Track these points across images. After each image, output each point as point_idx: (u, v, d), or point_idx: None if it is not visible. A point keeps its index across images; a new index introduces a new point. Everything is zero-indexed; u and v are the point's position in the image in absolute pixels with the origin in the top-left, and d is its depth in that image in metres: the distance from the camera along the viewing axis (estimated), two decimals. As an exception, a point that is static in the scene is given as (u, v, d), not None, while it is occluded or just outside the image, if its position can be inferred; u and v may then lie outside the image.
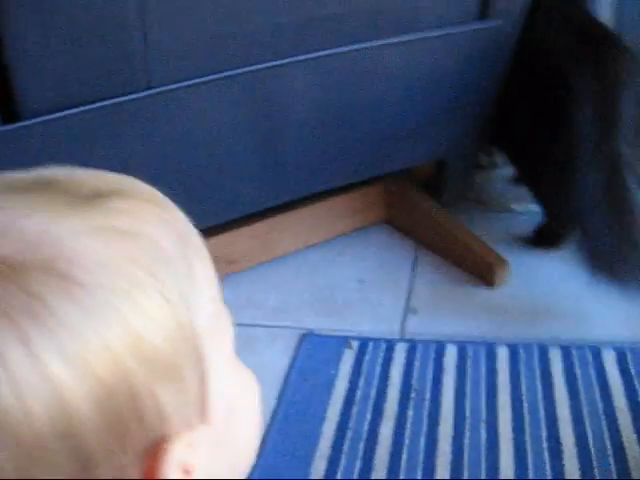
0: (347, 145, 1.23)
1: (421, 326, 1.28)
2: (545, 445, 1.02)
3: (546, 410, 1.08)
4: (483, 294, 1.35)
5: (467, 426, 1.05)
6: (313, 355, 1.22)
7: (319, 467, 1.00)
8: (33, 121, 0.92)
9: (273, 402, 1.13)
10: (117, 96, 0.97)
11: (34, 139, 0.94)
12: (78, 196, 0.31)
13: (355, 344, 1.23)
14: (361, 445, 1.03)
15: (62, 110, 0.94)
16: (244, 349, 1.24)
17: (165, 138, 1.05)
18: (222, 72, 1.03)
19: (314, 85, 1.13)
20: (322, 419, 1.08)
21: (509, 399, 1.10)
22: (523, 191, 1.71)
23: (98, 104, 0.96)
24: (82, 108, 0.95)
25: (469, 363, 1.17)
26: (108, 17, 0.90)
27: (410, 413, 1.08)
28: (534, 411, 1.07)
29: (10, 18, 0.85)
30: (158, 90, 0.99)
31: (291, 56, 1.08)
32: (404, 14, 1.13)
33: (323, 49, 1.10)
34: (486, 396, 1.11)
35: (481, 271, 1.36)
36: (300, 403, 1.12)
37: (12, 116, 0.92)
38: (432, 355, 1.19)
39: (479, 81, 1.30)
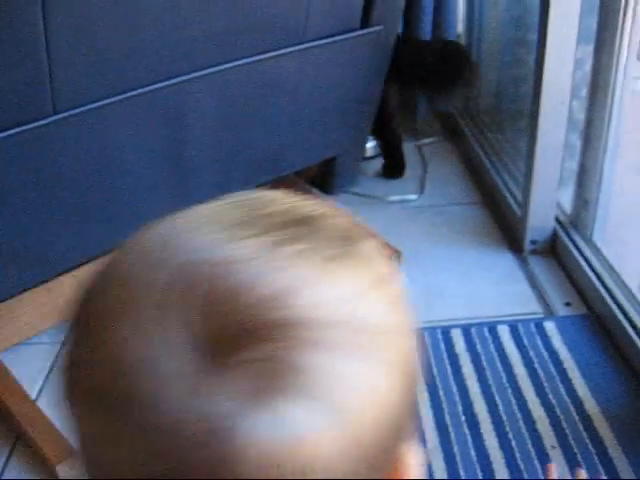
0: (247, 153, 1.26)
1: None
2: (462, 419, 1.11)
3: (458, 386, 1.17)
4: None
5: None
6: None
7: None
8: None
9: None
10: (24, 123, 0.94)
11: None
12: (337, 242, 0.32)
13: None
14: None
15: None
16: None
17: (72, 161, 1.02)
18: (125, 92, 1.02)
19: (213, 98, 1.14)
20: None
21: (422, 382, 1.18)
22: (394, 183, 1.81)
23: (4, 133, 0.92)
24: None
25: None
26: (12, 39, 0.87)
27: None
28: (448, 389, 1.17)
29: None
30: (63, 115, 0.97)
31: (190, 72, 1.08)
32: (294, 26, 1.17)
33: (220, 63, 1.11)
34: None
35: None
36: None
37: None
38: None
39: (364, 83, 1.37)
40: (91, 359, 0.31)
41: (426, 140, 2.00)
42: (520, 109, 1.88)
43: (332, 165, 1.50)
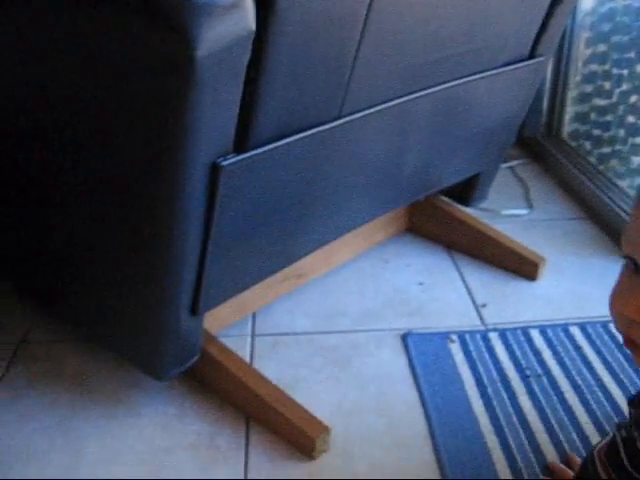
0: (445, 157, 1.42)
1: (495, 317, 1.48)
2: None
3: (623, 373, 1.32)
4: (528, 287, 1.59)
5: (585, 391, 1.27)
6: (425, 351, 1.37)
7: (492, 440, 1.16)
8: (260, 150, 0.99)
9: (414, 392, 1.27)
10: (317, 125, 1.06)
11: (259, 166, 1.01)
12: None
13: (455, 337, 1.40)
14: (514, 419, 1.21)
15: (279, 140, 1.02)
16: (357, 353, 1.40)
17: (334, 163, 1.15)
18: (382, 103, 1.16)
19: (432, 109, 1.29)
20: (468, 401, 1.25)
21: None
22: (500, 199, 1.98)
23: (303, 134, 1.05)
24: (294, 137, 1.04)
25: (555, 342, 1.40)
26: (331, 54, 1.00)
27: (536, 388, 1.28)
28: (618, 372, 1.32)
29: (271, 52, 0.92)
30: (344, 120, 1.10)
31: (421, 90, 1.23)
32: (497, 51, 1.33)
33: (444, 82, 1.26)
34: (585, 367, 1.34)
35: (524, 268, 1.59)
36: (441, 392, 1.27)
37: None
38: (522, 338, 1.40)
39: (519, 107, 1.54)
40: None
41: (515, 162, 2.19)
42: (604, 135, 2.09)
43: (475, 180, 1.65)
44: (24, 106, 1.08)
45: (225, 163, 0.94)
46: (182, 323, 1.12)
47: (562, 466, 1.13)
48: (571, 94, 2.24)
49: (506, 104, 1.48)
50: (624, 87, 2.03)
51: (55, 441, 1.18)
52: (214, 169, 0.94)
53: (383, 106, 1.18)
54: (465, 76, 1.30)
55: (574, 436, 1.18)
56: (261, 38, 0.89)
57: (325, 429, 1.15)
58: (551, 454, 1.14)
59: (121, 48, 0.88)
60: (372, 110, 1.15)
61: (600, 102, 2.13)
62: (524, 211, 1.91)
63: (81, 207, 1.09)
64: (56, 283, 1.27)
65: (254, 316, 1.48)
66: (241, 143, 0.98)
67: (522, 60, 1.43)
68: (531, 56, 1.46)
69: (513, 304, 1.53)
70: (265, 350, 1.39)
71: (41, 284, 1.32)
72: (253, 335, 1.43)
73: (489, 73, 1.34)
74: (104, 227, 1.07)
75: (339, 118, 1.10)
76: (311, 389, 1.29)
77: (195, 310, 1.11)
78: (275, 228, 1.15)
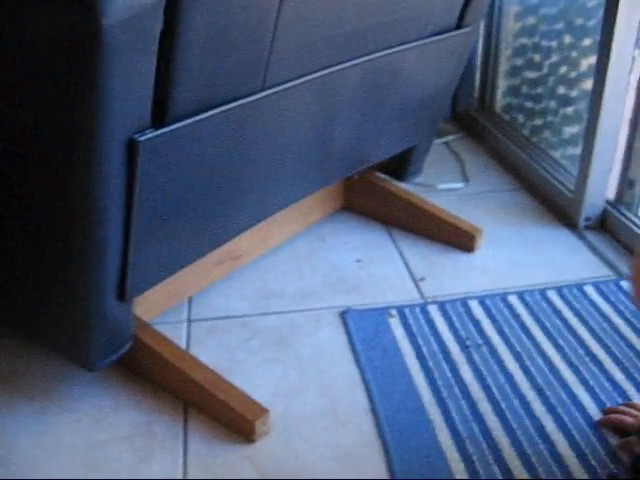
0: (377, 131, 1.39)
1: (434, 290, 1.47)
2: (587, 360, 1.27)
3: (573, 337, 1.33)
4: (465, 259, 1.58)
5: (525, 358, 1.27)
6: (364, 327, 1.35)
7: (434, 413, 1.15)
8: (180, 124, 0.95)
9: (354, 370, 1.25)
10: (239, 98, 1.03)
11: (180, 141, 0.97)
12: None
13: (394, 312, 1.39)
14: (456, 390, 1.20)
15: (200, 113, 0.98)
16: (296, 333, 1.38)
17: (260, 137, 1.12)
18: (307, 75, 1.13)
19: (360, 81, 1.26)
20: (410, 375, 1.23)
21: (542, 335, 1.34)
22: (436, 174, 1.97)
23: (225, 106, 1.01)
24: (216, 110, 1.00)
25: (494, 311, 1.39)
26: (250, 24, 0.97)
27: (476, 358, 1.27)
28: (565, 341, 1.33)
29: (184, 21, 0.88)
30: (268, 92, 1.07)
31: (347, 61, 1.21)
32: (423, 22, 1.31)
33: (371, 53, 1.24)
34: (524, 334, 1.34)
35: (461, 240, 1.59)
36: (382, 367, 1.25)
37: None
38: (461, 309, 1.39)
39: (449, 79, 1.53)
40: None
41: (450, 137, 2.19)
42: (536, 108, 2.10)
43: (409, 154, 1.64)
44: None
45: (142, 138, 0.90)
46: (109, 310, 1.07)
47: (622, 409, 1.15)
48: (502, 68, 2.25)
49: (435, 76, 1.47)
50: (553, 59, 2.04)
51: (-17, 441, 1.13)
52: (131, 145, 0.90)
53: (308, 77, 1.14)
54: (392, 47, 1.27)
55: (516, 403, 1.18)
56: (173, 7, 0.86)
57: (264, 412, 1.12)
58: (493, 422, 1.14)
59: (30, 19, 0.83)
60: (297, 82, 1.12)
61: (531, 75, 2.14)
62: (460, 185, 1.91)
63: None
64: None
65: (190, 301, 1.44)
66: (159, 118, 0.94)
67: (449, 31, 1.42)
68: (458, 27, 1.45)
69: (451, 276, 1.52)
70: (202, 335, 1.35)
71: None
72: (189, 321, 1.39)
73: (416, 44, 1.32)
74: (21, 213, 1.02)
75: (262, 90, 1.07)
76: (250, 372, 1.26)
77: (122, 296, 1.07)
78: (202, 207, 1.11)
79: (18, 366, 1.29)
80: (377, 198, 1.69)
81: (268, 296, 1.46)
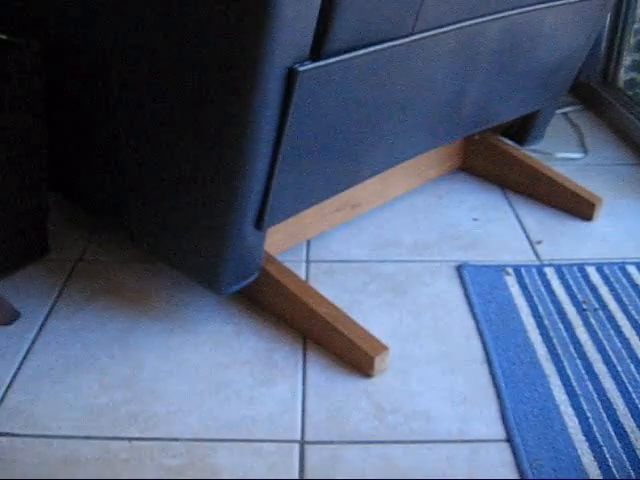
0: (507, 91, 1.40)
1: (550, 253, 1.47)
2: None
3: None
4: (583, 226, 1.57)
5: (643, 327, 1.27)
6: (480, 282, 1.37)
7: (549, 369, 1.16)
8: (335, 59, 0.98)
9: (470, 321, 1.27)
10: (389, 40, 1.05)
11: (333, 75, 1.00)
12: None
13: (510, 270, 1.40)
14: (572, 349, 1.21)
15: (352, 51, 1.01)
16: (412, 282, 1.39)
17: (403, 82, 1.14)
18: (453, 24, 1.14)
19: (499, 37, 1.26)
20: (525, 331, 1.24)
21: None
22: (555, 142, 1.95)
23: (377, 46, 1.04)
24: (369, 49, 1.02)
25: (612, 279, 1.38)
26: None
27: (593, 321, 1.27)
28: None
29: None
30: (417, 37, 1.09)
31: (490, 14, 1.21)
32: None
33: (513, 8, 1.24)
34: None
35: (580, 207, 1.57)
36: (497, 321, 1.27)
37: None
38: (578, 274, 1.39)
39: (582, 44, 1.51)
40: None
41: (569, 108, 2.16)
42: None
43: (532, 118, 1.63)
44: (105, 25, 1.08)
45: (302, 69, 0.94)
46: (246, 237, 1.12)
47: None
48: (629, 42, 2.19)
49: (570, 39, 1.45)
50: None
51: (114, 353, 1.21)
52: (291, 74, 0.93)
53: (453, 26, 1.16)
54: (533, 4, 1.27)
55: (632, 367, 1.18)
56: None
57: (384, 349, 1.16)
58: (608, 383, 1.14)
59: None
60: (443, 29, 1.14)
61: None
62: (579, 155, 1.88)
63: (153, 117, 1.09)
64: (119, 197, 1.28)
65: (308, 243, 1.48)
66: (317, 51, 0.97)
67: (588, -7, 1.40)
68: (602, -11, 1.43)
69: (569, 242, 1.51)
70: (320, 275, 1.39)
71: (104, 198, 1.32)
72: (308, 261, 1.43)
73: (557, 3, 1.31)
74: (174, 134, 1.07)
75: (412, 34, 1.09)
76: (367, 313, 1.29)
77: (260, 224, 1.12)
78: (341, 145, 1.15)
79: (145, 288, 1.36)
80: (496, 160, 1.69)
81: (385, 245, 1.49)
